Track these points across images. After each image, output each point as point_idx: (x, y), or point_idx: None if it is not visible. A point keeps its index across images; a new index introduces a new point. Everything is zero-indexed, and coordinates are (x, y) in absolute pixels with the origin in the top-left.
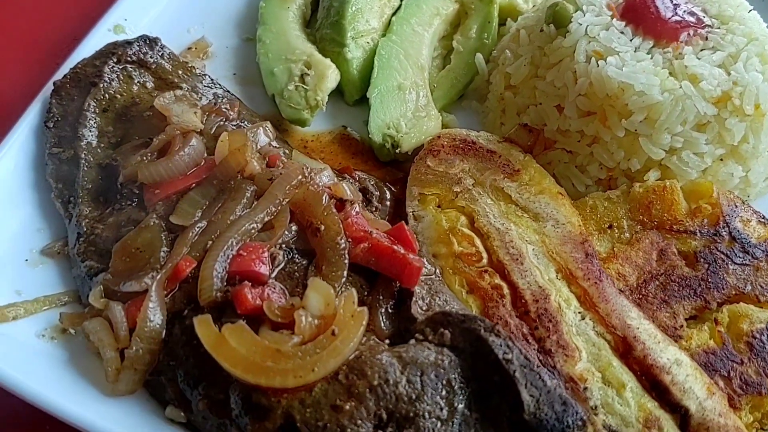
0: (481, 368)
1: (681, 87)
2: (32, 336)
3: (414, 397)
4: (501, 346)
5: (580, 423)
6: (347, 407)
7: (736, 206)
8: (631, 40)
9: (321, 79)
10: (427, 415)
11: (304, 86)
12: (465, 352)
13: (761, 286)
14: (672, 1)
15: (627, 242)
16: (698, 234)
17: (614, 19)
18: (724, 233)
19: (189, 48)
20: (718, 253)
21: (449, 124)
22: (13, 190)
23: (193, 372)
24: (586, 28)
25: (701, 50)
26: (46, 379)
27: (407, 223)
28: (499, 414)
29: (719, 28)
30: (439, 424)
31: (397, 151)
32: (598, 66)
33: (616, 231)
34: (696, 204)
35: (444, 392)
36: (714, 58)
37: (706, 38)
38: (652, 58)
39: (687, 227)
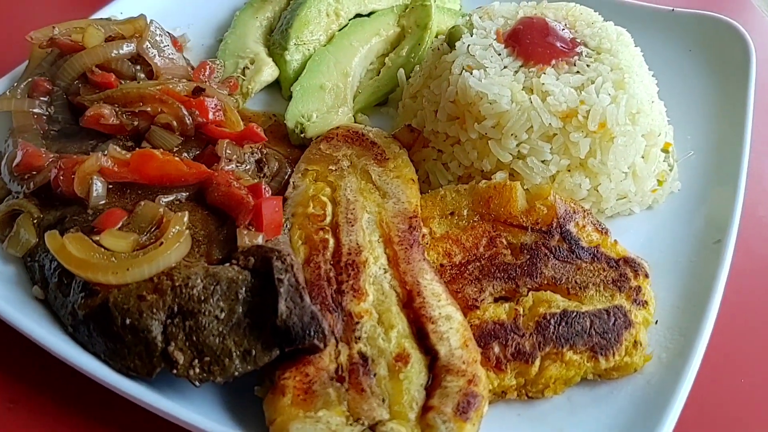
0: (266, 287)
1: (530, 100)
2: None
3: (203, 298)
4: (280, 269)
5: (320, 335)
6: (149, 298)
7: (575, 212)
8: (503, 60)
9: (257, 72)
10: (207, 313)
11: (243, 77)
12: (260, 275)
13: (576, 282)
14: (556, 33)
15: (462, 228)
16: (529, 230)
17: (495, 42)
18: (556, 233)
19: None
20: (542, 248)
21: (362, 123)
22: None
23: (52, 263)
24: (468, 47)
25: (564, 73)
26: None
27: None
28: (265, 320)
29: (590, 56)
30: (215, 321)
31: (302, 135)
32: (464, 77)
33: (456, 218)
34: (533, 205)
35: (229, 300)
36: (572, 80)
37: (574, 64)
38: (515, 75)
39: (520, 222)
